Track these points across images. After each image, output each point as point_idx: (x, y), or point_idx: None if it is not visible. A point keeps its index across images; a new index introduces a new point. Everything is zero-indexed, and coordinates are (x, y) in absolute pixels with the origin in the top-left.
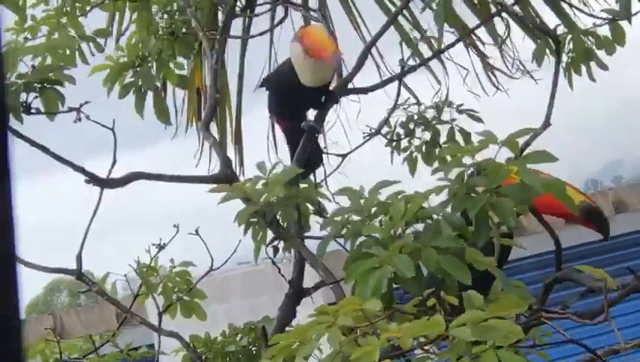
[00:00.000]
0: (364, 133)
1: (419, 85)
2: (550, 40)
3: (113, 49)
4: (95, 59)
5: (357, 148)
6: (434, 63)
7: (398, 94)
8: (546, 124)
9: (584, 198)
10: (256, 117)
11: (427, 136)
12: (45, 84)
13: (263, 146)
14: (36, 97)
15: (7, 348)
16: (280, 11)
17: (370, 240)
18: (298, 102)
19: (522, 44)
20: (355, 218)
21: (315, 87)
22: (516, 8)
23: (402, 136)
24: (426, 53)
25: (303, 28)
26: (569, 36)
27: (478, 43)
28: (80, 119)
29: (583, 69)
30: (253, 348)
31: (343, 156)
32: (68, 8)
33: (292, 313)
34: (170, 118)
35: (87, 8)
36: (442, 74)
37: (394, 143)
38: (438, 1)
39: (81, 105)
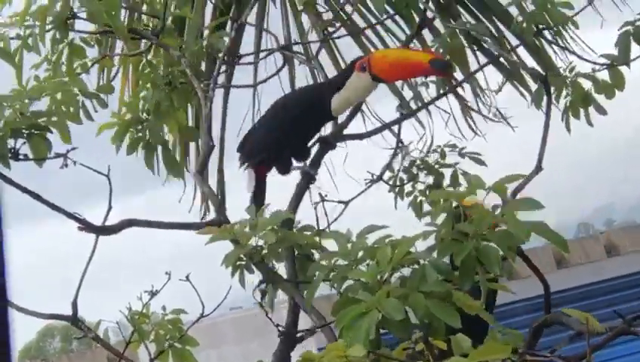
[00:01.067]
0: (365, 180)
1: (404, 130)
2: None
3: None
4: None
5: (359, 194)
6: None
7: (399, 139)
8: (538, 168)
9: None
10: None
11: (430, 180)
12: (33, 130)
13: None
14: (24, 143)
15: None
16: (269, 60)
17: (357, 285)
18: (303, 137)
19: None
20: (342, 262)
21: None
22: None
23: (405, 181)
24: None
25: (367, 56)
26: (567, 80)
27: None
28: (67, 165)
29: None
30: None
31: (345, 203)
32: (64, 64)
33: (286, 358)
34: (182, 172)
35: (89, 65)
36: (426, 119)
37: (397, 188)
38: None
39: (68, 152)
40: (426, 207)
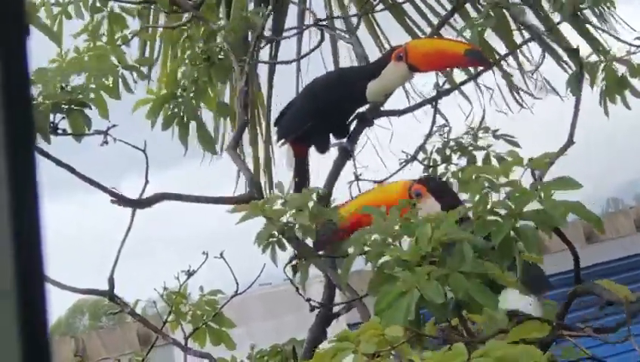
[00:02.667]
0: (400, 160)
1: (447, 107)
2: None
3: (155, 79)
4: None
5: (393, 174)
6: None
7: (434, 118)
8: (569, 142)
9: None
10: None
11: (463, 162)
12: (72, 106)
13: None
14: (63, 118)
15: None
16: (307, 35)
17: (393, 262)
18: (341, 116)
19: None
20: (378, 238)
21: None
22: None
23: (439, 163)
24: (457, 76)
25: (404, 45)
26: (602, 64)
27: (503, 63)
28: (107, 142)
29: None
30: None
31: (379, 183)
32: (104, 35)
33: (322, 334)
34: (215, 147)
35: (130, 37)
36: (473, 96)
37: (430, 169)
38: (472, 30)
39: (108, 129)
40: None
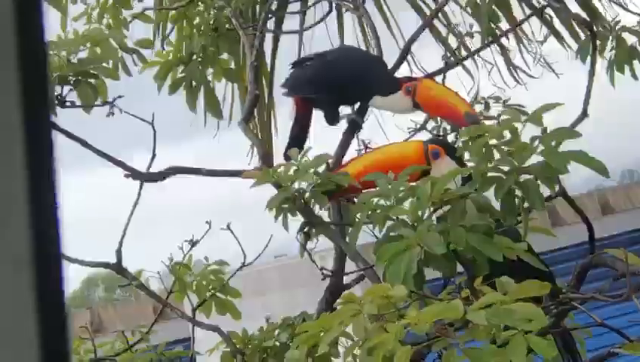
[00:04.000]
0: (408, 128)
1: (449, 81)
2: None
3: (159, 48)
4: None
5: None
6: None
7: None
8: (583, 115)
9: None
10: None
11: None
12: (80, 78)
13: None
14: (71, 90)
15: (54, 342)
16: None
17: (398, 223)
18: (350, 92)
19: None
20: (384, 202)
21: None
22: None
23: (448, 132)
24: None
25: (417, 81)
26: (612, 34)
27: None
28: (113, 113)
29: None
30: (291, 344)
31: None
32: (110, 21)
33: (332, 306)
34: (221, 111)
35: (129, 19)
36: (472, 68)
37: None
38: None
39: (115, 100)
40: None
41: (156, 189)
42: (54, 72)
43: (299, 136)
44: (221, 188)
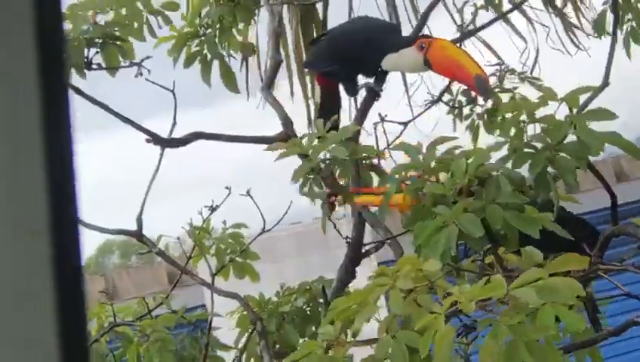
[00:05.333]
0: (424, 100)
1: (499, 41)
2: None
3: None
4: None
5: (419, 115)
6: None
7: None
8: (605, 83)
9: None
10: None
11: (489, 103)
12: (107, 40)
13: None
14: (97, 53)
15: (71, 310)
16: None
17: (430, 197)
18: (363, 62)
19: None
20: (414, 173)
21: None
22: None
23: (464, 104)
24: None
25: (430, 38)
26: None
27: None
28: (141, 73)
29: None
30: (307, 309)
31: (405, 124)
32: None
33: (352, 273)
34: (237, 86)
35: None
36: (525, 31)
37: (456, 111)
38: None
39: (142, 60)
40: (482, 132)
41: (175, 155)
42: (81, 35)
43: (329, 109)
44: (239, 155)
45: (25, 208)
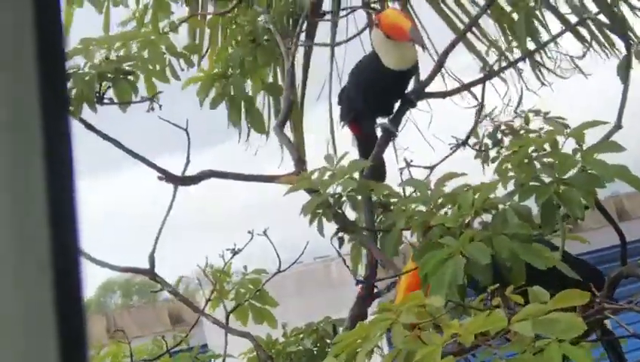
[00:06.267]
0: (449, 144)
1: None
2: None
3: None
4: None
5: (444, 159)
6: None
7: (482, 100)
8: (617, 126)
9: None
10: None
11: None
12: (118, 75)
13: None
14: (109, 87)
15: (72, 347)
16: (357, 17)
17: (438, 231)
18: (378, 95)
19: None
20: (422, 208)
21: (401, 71)
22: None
23: (490, 147)
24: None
25: (380, 13)
26: None
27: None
28: (153, 108)
29: None
30: (315, 349)
31: (431, 168)
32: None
33: (364, 313)
34: (264, 126)
35: (177, 23)
36: (510, 79)
37: (482, 154)
38: (520, 13)
39: (154, 96)
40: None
41: (183, 193)
42: (94, 70)
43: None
44: (247, 193)
45: (28, 241)
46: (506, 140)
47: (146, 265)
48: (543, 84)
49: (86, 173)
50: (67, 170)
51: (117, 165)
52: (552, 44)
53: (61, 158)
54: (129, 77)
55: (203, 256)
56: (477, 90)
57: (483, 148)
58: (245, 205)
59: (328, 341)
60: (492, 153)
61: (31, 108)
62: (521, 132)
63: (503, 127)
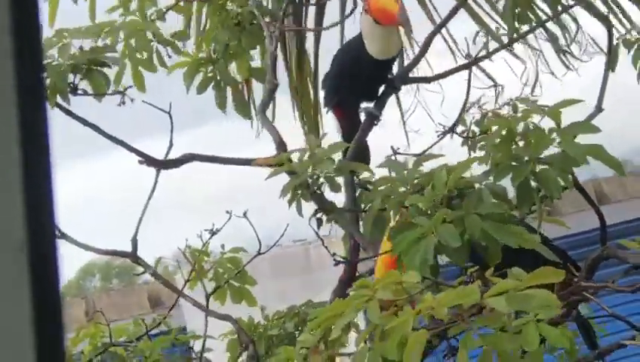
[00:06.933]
0: (437, 132)
1: (498, 66)
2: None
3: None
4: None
5: (431, 147)
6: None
7: (469, 88)
8: (598, 109)
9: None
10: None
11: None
12: (92, 66)
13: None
14: (82, 79)
15: (47, 331)
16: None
17: (413, 210)
18: (362, 82)
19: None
20: (399, 189)
21: (383, 60)
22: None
23: (477, 134)
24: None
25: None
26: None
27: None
28: (124, 102)
29: None
30: (296, 332)
31: (418, 156)
32: (146, 13)
33: (346, 296)
34: (250, 113)
35: (164, 11)
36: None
37: (469, 142)
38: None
39: (126, 89)
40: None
41: (167, 175)
42: (68, 61)
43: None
44: (226, 175)
45: (4, 224)
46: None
47: (128, 249)
48: (567, 68)
49: (66, 158)
50: (44, 156)
51: (99, 149)
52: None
53: (38, 145)
54: (104, 68)
55: (185, 238)
56: (494, 70)
57: (470, 136)
58: (230, 187)
59: None
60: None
61: (7, 95)
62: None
63: (490, 115)
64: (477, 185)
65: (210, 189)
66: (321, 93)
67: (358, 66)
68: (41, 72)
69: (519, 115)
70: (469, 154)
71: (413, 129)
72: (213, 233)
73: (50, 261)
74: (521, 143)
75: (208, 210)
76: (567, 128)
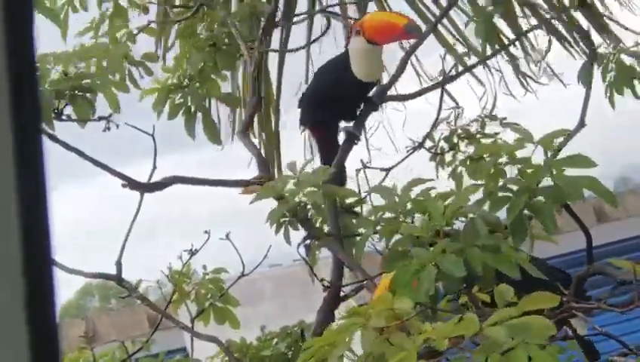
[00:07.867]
0: (406, 147)
1: (458, 88)
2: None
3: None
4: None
5: (400, 162)
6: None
7: (440, 105)
8: (581, 124)
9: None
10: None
11: (471, 150)
12: (76, 92)
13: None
14: (66, 105)
15: (44, 354)
16: (318, 23)
17: (406, 239)
18: (344, 102)
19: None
20: (390, 215)
21: (368, 82)
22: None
23: (446, 150)
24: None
25: (359, 21)
26: (612, 56)
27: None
28: (109, 128)
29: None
30: (289, 353)
31: (387, 170)
32: (117, 35)
33: (331, 316)
34: (220, 137)
35: (135, 32)
36: (484, 78)
37: (437, 158)
38: (480, 18)
39: (110, 115)
40: (466, 178)
41: (152, 198)
42: (52, 86)
43: (327, 158)
44: (218, 198)
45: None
46: (462, 145)
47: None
48: (526, 90)
49: (57, 182)
50: (39, 181)
51: (89, 173)
52: (536, 53)
53: (34, 170)
54: (87, 94)
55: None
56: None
57: (439, 152)
58: (221, 207)
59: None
60: (447, 157)
61: (3, 121)
62: (477, 136)
63: (459, 131)
64: (470, 215)
65: (208, 209)
66: (294, 113)
67: (341, 87)
68: (38, 97)
69: (500, 139)
70: (437, 170)
71: (376, 147)
72: (192, 254)
73: (46, 286)
74: (511, 170)
75: (202, 232)
76: (562, 161)
